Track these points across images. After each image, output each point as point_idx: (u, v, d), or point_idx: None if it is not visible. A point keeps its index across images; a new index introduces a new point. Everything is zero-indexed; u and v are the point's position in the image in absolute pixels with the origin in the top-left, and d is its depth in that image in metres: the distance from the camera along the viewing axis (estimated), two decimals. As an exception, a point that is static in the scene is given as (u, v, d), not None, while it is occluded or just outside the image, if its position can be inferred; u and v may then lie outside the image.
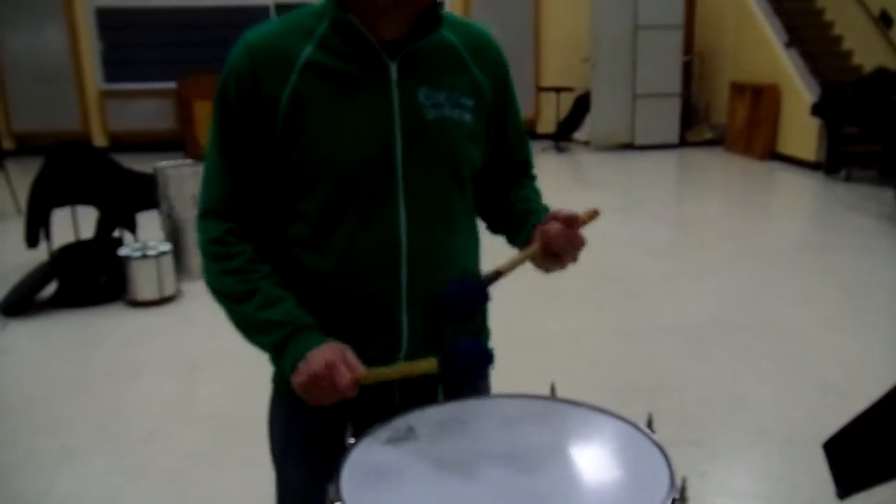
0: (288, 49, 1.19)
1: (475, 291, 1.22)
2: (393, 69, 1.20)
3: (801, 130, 8.35)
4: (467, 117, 1.26)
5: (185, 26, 9.93)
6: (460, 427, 1.20)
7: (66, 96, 9.93)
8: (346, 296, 1.24)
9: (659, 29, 9.48)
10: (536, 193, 1.42)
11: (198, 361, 3.73)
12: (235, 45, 1.21)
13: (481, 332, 1.43)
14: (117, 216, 4.93)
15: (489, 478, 1.07)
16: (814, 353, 3.76)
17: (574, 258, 1.23)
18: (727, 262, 5.34)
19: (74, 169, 4.75)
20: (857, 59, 8.77)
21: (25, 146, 9.49)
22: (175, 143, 9.38)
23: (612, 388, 3.39)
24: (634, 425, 1.19)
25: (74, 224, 4.96)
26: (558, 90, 10.12)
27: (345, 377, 1.13)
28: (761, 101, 8.86)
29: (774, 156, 8.84)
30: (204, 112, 8.96)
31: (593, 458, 1.14)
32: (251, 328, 1.22)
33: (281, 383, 1.37)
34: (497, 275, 1.20)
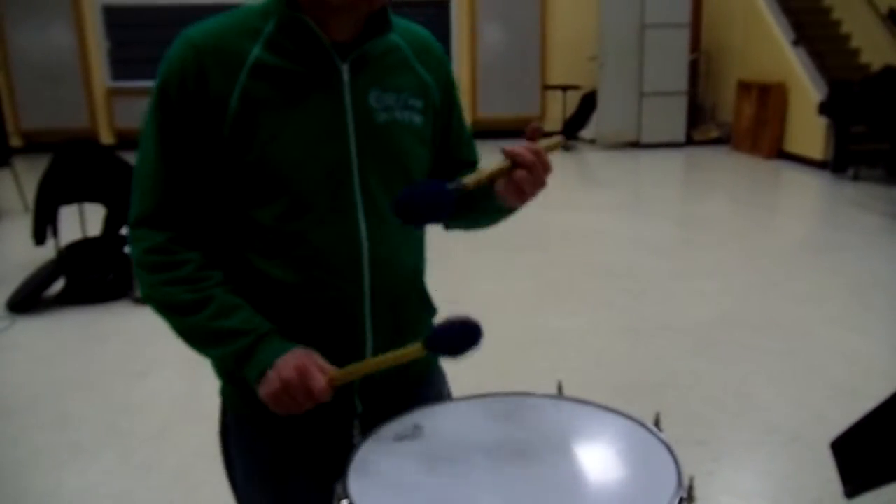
0: (235, 48, 1.14)
1: (439, 190, 1.10)
2: (345, 70, 1.18)
3: (808, 129, 8.32)
4: (416, 119, 1.24)
5: (192, 24, 9.95)
6: (467, 425, 1.20)
7: (73, 94, 9.97)
8: (308, 303, 1.20)
9: (666, 27, 9.46)
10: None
11: (205, 359, 3.73)
12: (175, 41, 1.16)
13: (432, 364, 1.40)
14: (124, 214, 4.93)
15: (496, 476, 1.07)
16: (821, 352, 3.75)
17: (541, 181, 1.13)
18: (734, 260, 5.33)
19: (82, 167, 4.76)
20: (864, 58, 8.74)
21: (33, 144, 9.52)
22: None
23: (618, 387, 3.39)
24: (642, 424, 1.19)
25: (82, 221, 4.98)
26: (564, 88, 10.12)
27: (319, 381, 1.10)
28: (768, 99, 8.83)
29: (781, 154, 8.81)
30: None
31: (600, 457, 1.14)
32: (206, 339, 1.17)
33: (234, 397, 1.32)
34: (461, 187, 1.10)
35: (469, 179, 1.11)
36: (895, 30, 8.54)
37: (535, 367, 3.58)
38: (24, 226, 5.13)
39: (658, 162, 9.18)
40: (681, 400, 3.29)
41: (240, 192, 1.16)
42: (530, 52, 10.53)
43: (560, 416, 1.22)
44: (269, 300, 1.19)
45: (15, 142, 9.60)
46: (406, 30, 1.28)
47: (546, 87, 10.55)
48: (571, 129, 10.32)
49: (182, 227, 1.17)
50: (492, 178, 1.12)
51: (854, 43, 8.96)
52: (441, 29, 10.54)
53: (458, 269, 4.92)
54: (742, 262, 5.29)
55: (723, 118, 10.21)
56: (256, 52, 1.15)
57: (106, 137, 10.01)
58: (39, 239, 4.72)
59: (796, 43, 8.70)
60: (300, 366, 1.10)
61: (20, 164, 7.40)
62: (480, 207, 1.26)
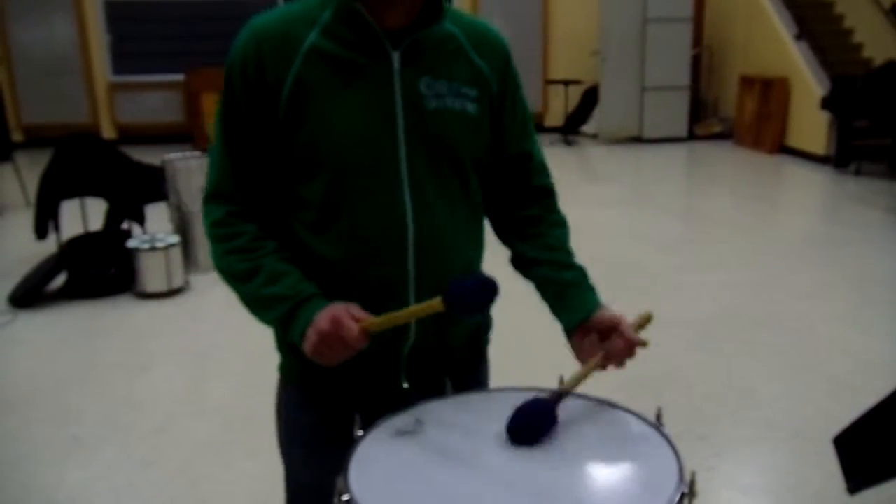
0: (292, 35, 1.20)
1: (483, 287, 1.16)
2: (395, 58, 1.21)
3: (810, 124, 8.30)
4: (470, 107, 1.26)
5: (194, 18, 9.94)
6: (469, 420, 1.20)
7: (74, 89, 9.95)
8: (353, 281, 1.24)
9: (668, 22, 9.43)
10: (562, 236, 1.40)
11: (207, 353, 3.74)
12: (241, 31, 1.22)
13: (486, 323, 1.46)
14: (126, 208, 4.95)
15: (497, 471, 1.07)
16: (823, 347, 3.75)
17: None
18: (736, 255, 5.32)
19: (83, 161, 4.76)
20: (867, 53, 8.72)
21: (34, 138, 9.51)
22: (183, 135, 9.39)
23: (619, 382, 3.37)
24: (643, 419, 1.19)
25: (83, 216, 4.98)
26: (567, 83, 10.09)
27: (353, 329, 1.13)
28: (771, 94, 8.81)
29: (784, 149, 8.80)
30: (212, 104, 8.96)
31: (602, 452, 1.14)
32: (258, 305, 1.23)
33: (287, 371, 1.38)
34: (562, 394, 1.20)
35: (569, 384, 1.23)
36: (898, 24, 8.52)
37: (536, 361, 3.57)
38: (25, 220, 5.13)
39: (660, 157, 9.17)
40: (682, 395, 3.29)
41: (291, 171, 1.22)
42: (532, 46, 10.51)
43: (562, 412, 1.22)
44: (319, 277, 1.23)
45: (16, 136, 9.59)
46: (462, 19, 1.31)
47: (548, 82, 10.53)
48: (573, 124, 10.30)
49: (242, 202, 1.25)
50: (589, 375, 1.25)
51: (857, 38, 8.93)
52: (443, 23, 10.52)
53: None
54: (744, 257, 5.28)
55: (725, 113, 10.19)
56: (312, 38, 1.20)
57: (107, 132, 10.00)
58: (41, 233, 4.73)
59: (799, 37, 8.68)
60: (334, 317, 1.14)
61: (22, 158, 7.41)
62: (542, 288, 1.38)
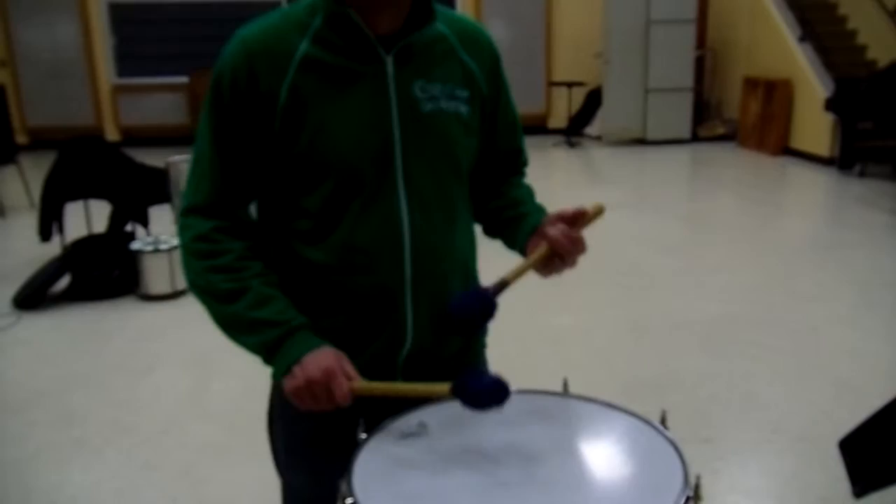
0: (284, 44, 1.18)
1: (483, 302, 1.22)
2: (389, 63, 1.20)
3: (814, 126, 8.29)
4: (462, 109, 1.26)
5: (198, 21, 9.95)
6: (472, 423, 1.20)
7: (78, 91, 9.98)
8: (350, 289, 1.23)
9: (671, 23, 9.43)
10: (529, 194, 1.42)
11: (210, 355, 3.74)
12: (230, 41, 1.21)
13: (480, 348, 1.45)
14: (130, 210, 4.95)
15: (501, 474, 1.07)
16: (827, 350, 3.73)
17: (574, 262, 1.24)
18: (739, 258, 5.31)
19: (87, 163, 4.77)
20: (871, 54, 8.70)
21: (39, 141, 9.54)
22: (187, 137, 9.36)
23: (623, 385, 3.38)
24: (648, 422, 1.18)
25: (87, 218, 4.99)
26: (570, 85, 10.09)
27: (343, 386, 1.11)
28: (774, 95, 8.80)
29: (787, 151, 8.78)
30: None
31: (606, 456, 1.13)
32: (240, 328, 1.19)
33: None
34: (503, 284, 1.20)
35: (510, 275, 1.20)
36: (902, 26, 8.50)
37: (540, 364, 3.57)
38: (29, 222, 5.15)
39: (663, 159, 9.16)
40: (687, 398, 3.28)
41: (288, 182, 1.21)
42: (535, 48, 10.51)
43: (565, 414, 1.22)
44: (314, 287, 1.22)
45: (21, 139, 9.61)
46: (452, 19, 1.30)
47: (551, 84, 10.52)
48: (577, 126, 10.30)
49: (228, 217, 1.21)
50: (531, 268, 1.23)
51: (861, 39, 8.91)
52: (446, 25, 10.53)
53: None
54: (748, 259, 5.27)
55: (729, 115, 10.18)
56: (304, 46, 1.18)
57: (111, 134, 10.03)
58: (45, 235, 4.74)
59: (802, 39, 8.66)
60: (328, 369, 1.12)
61: (26, 160, 7.42)
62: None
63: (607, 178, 8.45)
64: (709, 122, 10.30)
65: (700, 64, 10.10)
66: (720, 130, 10.07)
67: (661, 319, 4.17)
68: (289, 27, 1.20)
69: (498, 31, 10.55)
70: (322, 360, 1.13)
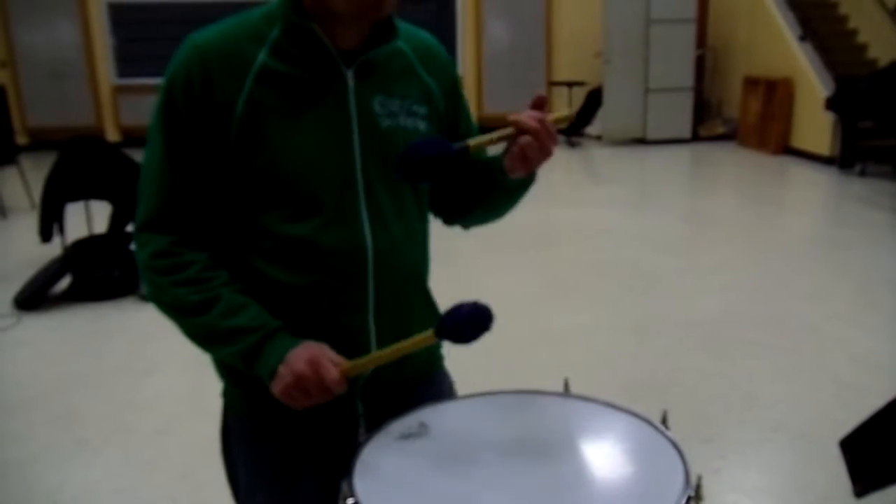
0: (240, 53, 1.15)
1: (441, 147, 1.13)
2: (349, 77, 1.18)
3: (815, 125, 8.29)
4: (421, 125, 1.24)
5: (198, 21, 9.91)
6: (473, 423, 1.20)
7: (79, 92, 9.98)
8: (312, 307, 1.19)
9: (671, 23, 9.43)
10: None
11: (210, 356, 3.73)
12: (181, 46, 1.17)
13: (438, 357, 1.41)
14: (130, 211, 4.92)
15: (503, 474, 1.06)
16: (827, 350, 3.73)
17: (546, 150, 1.13)
18: (740, 257, 5.31)
19: (87, 164, 4.77)
20: (871, 53, 8.70)
21: (39, 141, 9.54)
22: (187, 138, 9.40)
23: (624, 385, 3.38)
24: (649, 422, 1.18)
25: (88, 219, 4.99)
26: (570, 85, 10.09)
27: (332, 372, 1.09)
28: (775, 95, 8.80)
29: (788, 150, 8.78)
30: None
31: (607, 455, 1.13)
32: (214, 339, 1.16)
33: (236, 399, 1.32)
34: (466, 148, 1.12)
35: (473, 141, 1.14)
36: (903, 25, 8.50)
37: (541, 364, 3.57)
38: (30, 223, 5.15)
39: (664, 158, 9.16)
40: (687, 397, 3.28)
41: (247, 197, 1.16)
42: (536, 48, 10.51)
43: (567, 414, 1.22)
44: (274, 303, 1.18)
45: (21, 139, 9.61)
46: (411, 35, 1.28)
47: (551, 84, 10.52)
48: (577, 126, 10.30)
49: (186, 230, 1.17)
50: (495, 142, 1.14)
51: (861, 38, 8.91)
52: (446, 25, 10.53)
53: (464, 267, 4.91)
54: (748, 258, 5.27)
55: (729, 114, 10.18)
56: (262, 57, 1.15)
57: (112, 135, 10.03)
58: (46, 236, 4.73)
59: (803, 38, 8.66)
60: (312, 359, 1.10)
61: (26, 161, 7.42)
62: (487, 184, 1.27)
63: (608, 178, 8.45)
64: (709, 121, 10.30)
65: (700, 63, 10.10)
66: (720, 130, 10.07)
67: (661, 319, 4.17)
68: (245, 35, 1.16)
69: (498, 31, 10.55)
70: (304, 353, 1.11)
